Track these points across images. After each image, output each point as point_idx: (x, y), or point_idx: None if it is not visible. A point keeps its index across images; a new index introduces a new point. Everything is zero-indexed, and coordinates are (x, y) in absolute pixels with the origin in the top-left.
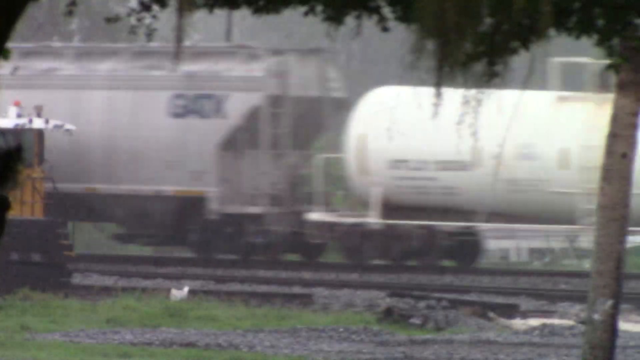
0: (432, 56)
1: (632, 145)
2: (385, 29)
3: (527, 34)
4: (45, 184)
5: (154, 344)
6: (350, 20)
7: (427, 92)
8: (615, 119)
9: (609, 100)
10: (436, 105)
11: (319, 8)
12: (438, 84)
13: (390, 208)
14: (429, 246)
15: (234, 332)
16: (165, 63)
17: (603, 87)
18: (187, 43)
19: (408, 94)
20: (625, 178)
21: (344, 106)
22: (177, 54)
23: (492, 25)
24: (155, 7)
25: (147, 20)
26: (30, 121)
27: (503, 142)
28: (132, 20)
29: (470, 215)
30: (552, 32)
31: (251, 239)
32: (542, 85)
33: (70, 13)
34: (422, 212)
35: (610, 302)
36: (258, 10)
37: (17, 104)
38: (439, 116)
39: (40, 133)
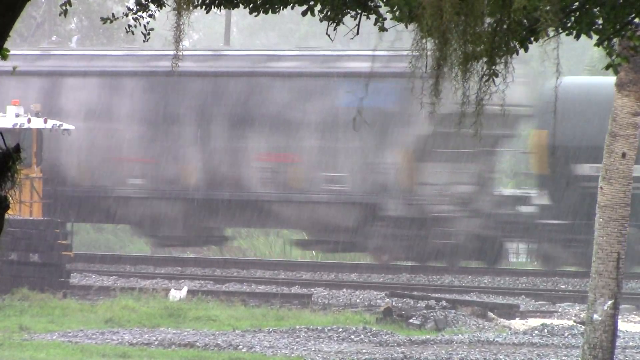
0: (431, 56)
1: (632, 145)
2: (383, 29)
3: (526, 33)
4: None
5: (153, 344)
6: (348, 20)
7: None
8: (614, 119)
9: None
10: (434, 104)
11: (317, 8)
12: (436, 82)
13: None
14: None
15: (232, 333)
16: None
17: None
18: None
19: None
20: (626, 178)
21: None
22: (177, 54)
23: (492, 24)
24: (153, 7)
25: (145, 19)
26: (29, 121)
27: None
28: (130, 19)
29: None
30: (551, 31)
31: None
32: None
33: (64, 13)
34: None
35: (610, 302)
36: (255, 9)
37: (15, 103)
38: None
39: (39, 133)
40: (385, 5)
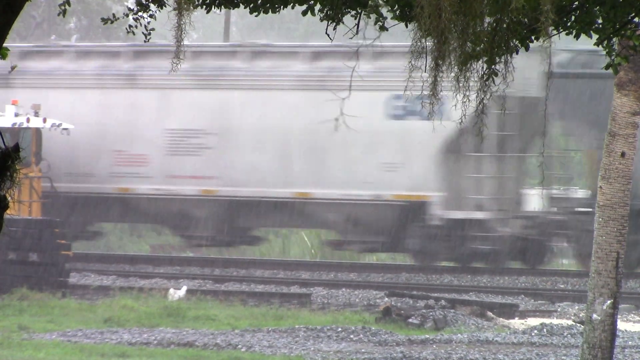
0: (430, 55)
1: (631, 144)
2: (383, 29)
3: (527, 32)
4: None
5: (152, 343)
6: (349, 19)
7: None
8: (614, 118)
9: None
10: (432, 104)
11: (317, 7)
12: (434, 83)
13: None
14: None
15: (232, 332)
16: None
17: None
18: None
19: None
20: (625, 177)
21: None
22: (177, 54)
23: (492, 23)
24: (153, 7)
25: (145, 20)
26: (28, 120)
27: None
28: (130, 20)
29: None
30: (551, 31)
31: None
32: None
33: (63, 13)
34: None
35: (609, 302)
36: (256, 9)
37: (14, 103)
38: None
39: (38, 132)
40: (386, 5)
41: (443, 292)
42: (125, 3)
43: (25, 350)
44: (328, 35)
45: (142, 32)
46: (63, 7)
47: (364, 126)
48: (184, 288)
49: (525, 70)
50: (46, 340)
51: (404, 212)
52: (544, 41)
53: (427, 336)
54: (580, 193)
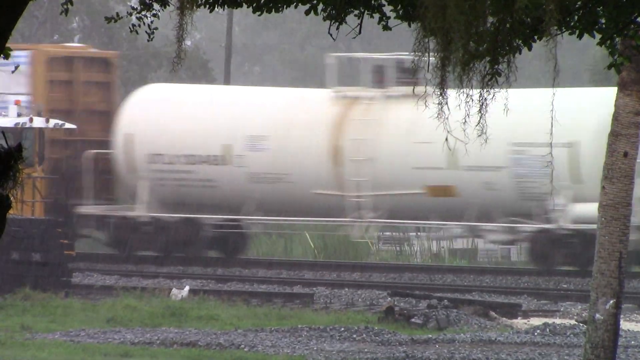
0: (434, 55)
1: (634, 144)
2: (386, 28)
3: (530, 32)
4: None
5: (155, 343)
6: (351, 19)
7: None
8: (616, 118)
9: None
10: (440, 104)
11: (320, 6)
12: (441, 82)
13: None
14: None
15: (234, 332)
16: None
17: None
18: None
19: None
20: (627, 177)
21: None
22: (178, 53)
23: (495, 23)
24: (156, 6)
25: (148, 19)
26: (31, 120)
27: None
28: (133, 19)
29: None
30: (554, 30)
31: None
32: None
33: (65, 12)
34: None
35: (612, 302)
36: (259, 8)
37: (17, 103)
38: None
39: (40, 132)
40: (389, 4)
41: (446, 291)
42: (128, 3)
43: (28, 350)
44: (331, 35)
45: (145, 32)
46: (65, 6)
47: None
48: (187, 288)
49: None
50: (49, 340)
51: None
52: (547, 41)
53: (430, 336)
54: None
